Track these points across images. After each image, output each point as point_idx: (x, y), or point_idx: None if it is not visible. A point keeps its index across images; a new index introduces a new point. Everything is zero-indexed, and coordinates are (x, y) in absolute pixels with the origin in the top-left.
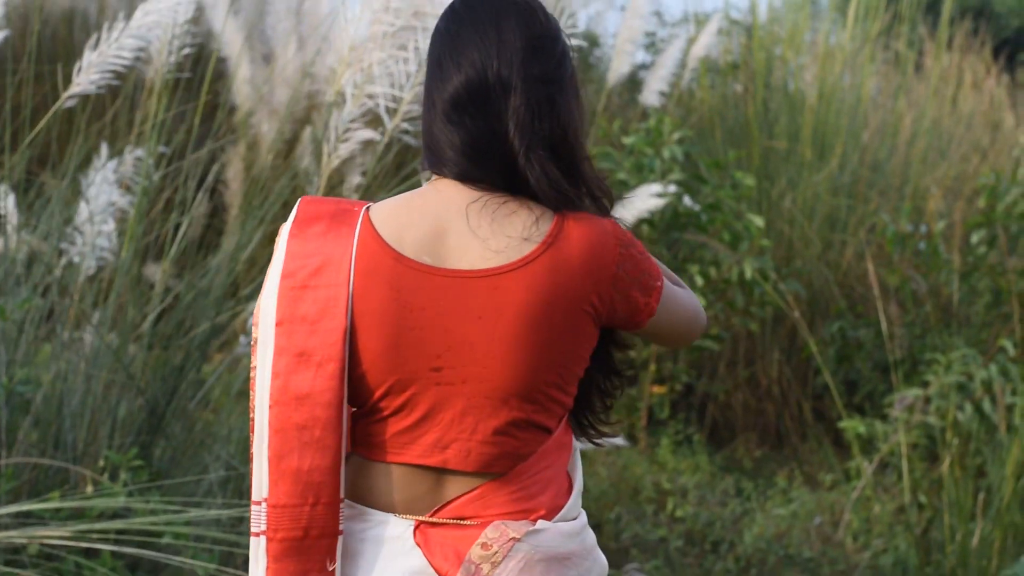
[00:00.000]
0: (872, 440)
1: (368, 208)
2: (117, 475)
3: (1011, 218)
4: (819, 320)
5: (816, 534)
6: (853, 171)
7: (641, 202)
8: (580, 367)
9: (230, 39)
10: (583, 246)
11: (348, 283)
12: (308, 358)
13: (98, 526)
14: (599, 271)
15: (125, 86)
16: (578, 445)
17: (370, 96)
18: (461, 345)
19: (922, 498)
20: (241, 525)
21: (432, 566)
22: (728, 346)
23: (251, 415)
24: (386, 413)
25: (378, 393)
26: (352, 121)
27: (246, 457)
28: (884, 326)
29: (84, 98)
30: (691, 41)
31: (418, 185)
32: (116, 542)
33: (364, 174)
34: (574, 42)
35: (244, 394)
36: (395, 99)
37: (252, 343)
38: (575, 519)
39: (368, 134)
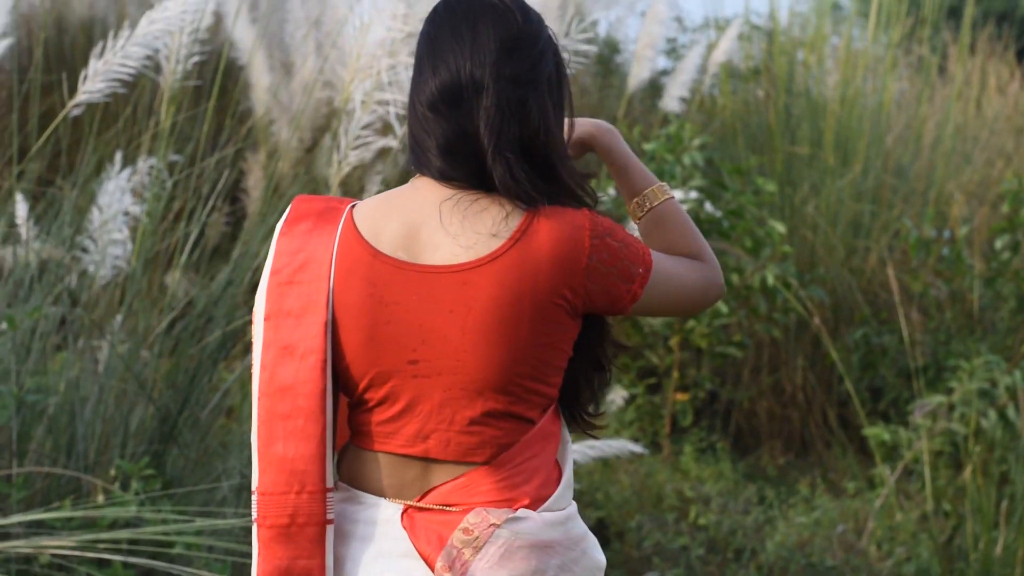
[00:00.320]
0: (896, 447)
1: (353, 206)
2: (129, 484)
3: None
4: (843, 327)
5: (839, 542)
6: (876, 176)
7: None
8: (560, 359)
9: (248, 47)
10: (551, 240)
11: (329, 278)
12: (292, 351)
13: (107, 536)
14: (569, 264)
15: (140, 94)
16: (569, 437)
17: (380, 103)
18: (435, 339)
19: (946, 506)
20: None
21: (416, 549)
22: (752, 353)
23: None
24: (371, 404)
25: (362, 385)
26: (364, 128)
27: None
28: (905, 332)
29: (97, 106)
30: (711, 47)
31: None
32: (128, 552)
33: (384, 181)
34: (584, 47)
35: None
36: (405, 106)
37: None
38: (562, 510)
39: (379, 142)
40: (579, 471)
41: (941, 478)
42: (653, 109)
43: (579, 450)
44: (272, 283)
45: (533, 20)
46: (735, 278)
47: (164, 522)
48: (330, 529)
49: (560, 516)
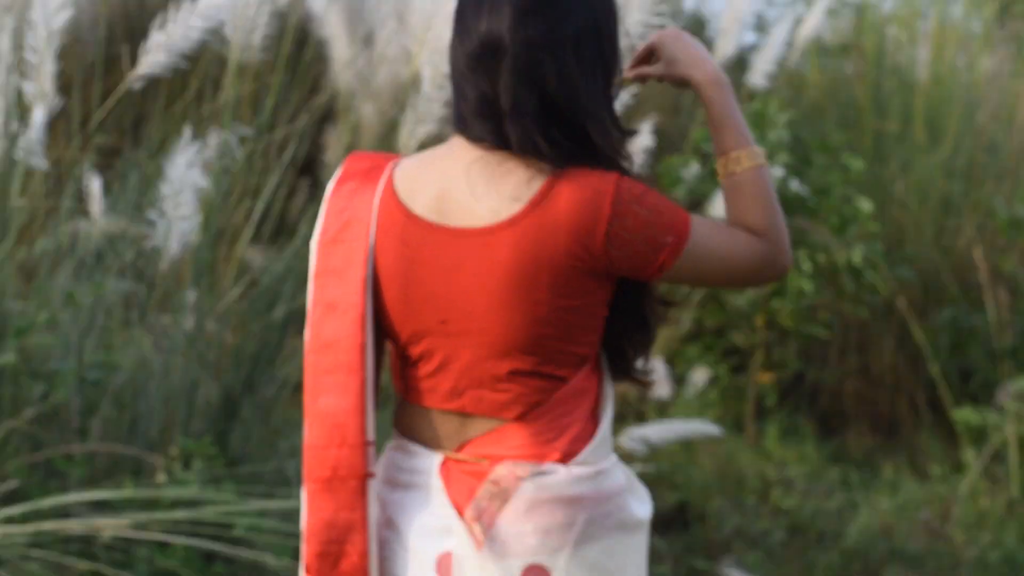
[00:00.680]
0: (985, 431)
1: (396, 165)
2: (191, 463)
3: None
4: (933, 307)
5: (923, 528)
6: (967, 154)
7: None
8: (589, 320)
9: (329, 20)
10: (570, 206)
11: (368, 237)
12: (335, 307)
13: (161, 516)
14: (587, 230)
15: (211, 67)
16: (611, 392)
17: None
18: (461, 300)
19: None
20: None
21: (450, 499)
22: (839, 333)
23: None
24: (413, 360)
25: (402, 341)
26: (432, 102)
27: None
28: (992, 313)
29: (167, 80)
30: (799, 22)
31: None
32: (189, 533)
33: None
34: (669, 22)
35: None
36: None
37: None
38: (594, 464)
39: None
40: (659, 453)
41: None
42: (739, 85)
43: (659, 432)
44: (321, 242)
45: None
46: (821, 257)
47: (226, 502)
48: (372, 483)
49: (590, 471)
